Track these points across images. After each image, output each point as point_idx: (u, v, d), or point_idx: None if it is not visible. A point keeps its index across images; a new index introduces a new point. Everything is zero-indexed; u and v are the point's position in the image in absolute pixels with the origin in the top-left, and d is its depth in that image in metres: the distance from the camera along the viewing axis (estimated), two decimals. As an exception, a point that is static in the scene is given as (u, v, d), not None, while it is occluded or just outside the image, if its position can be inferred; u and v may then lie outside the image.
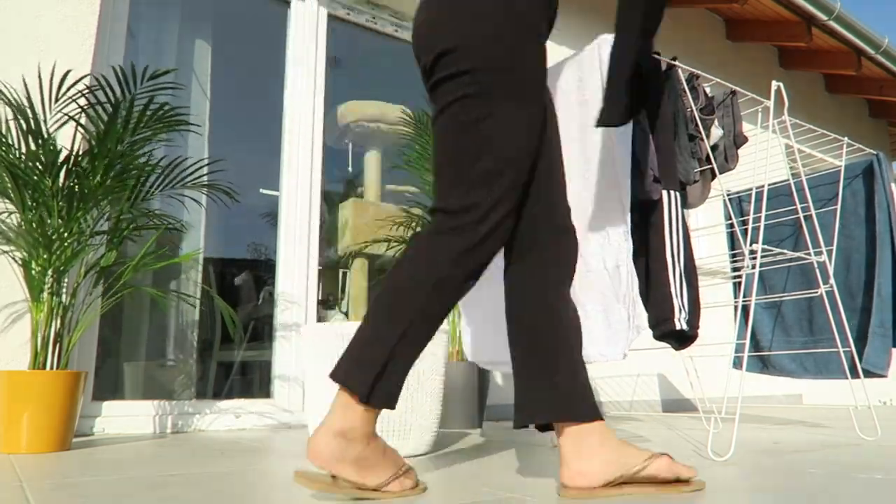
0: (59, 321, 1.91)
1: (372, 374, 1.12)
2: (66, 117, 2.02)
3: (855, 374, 2.31)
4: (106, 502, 1.07)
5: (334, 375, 1.14)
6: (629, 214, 1.58)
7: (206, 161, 2.35)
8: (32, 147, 1.90)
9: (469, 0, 1.23)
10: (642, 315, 1.54)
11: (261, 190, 3.08)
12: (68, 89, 1.98)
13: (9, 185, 1.88)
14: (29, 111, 1.90)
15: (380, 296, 1.18)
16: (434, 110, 1.27)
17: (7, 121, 1.96)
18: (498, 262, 1.91)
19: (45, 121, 1.94)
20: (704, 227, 2.44)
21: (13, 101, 1.91)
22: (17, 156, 1.90)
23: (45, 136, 1.91)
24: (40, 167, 1.89)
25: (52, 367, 1.89)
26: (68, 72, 2.02)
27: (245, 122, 3.29)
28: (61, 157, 1.92)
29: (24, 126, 1.89)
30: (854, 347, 2.29)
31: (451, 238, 1.18)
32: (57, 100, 2.00)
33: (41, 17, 2.35)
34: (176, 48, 2.97)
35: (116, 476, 1.36)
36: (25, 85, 1.99)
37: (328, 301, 3.56)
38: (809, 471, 1.44)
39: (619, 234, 1.58)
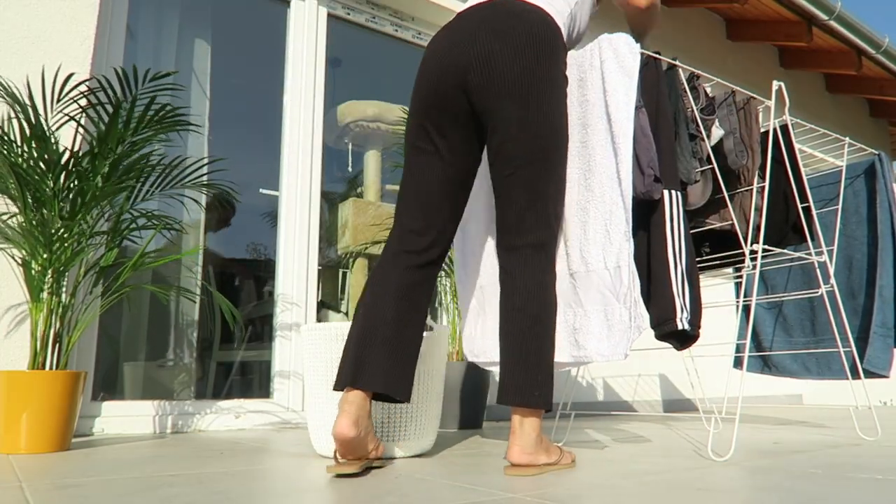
0: (58, 321, 1.91)
1: (549, 388, 1.46)
2: (67, 118, 2.02)
3: (856, 375, 2.30)
4: (106, 502, 1.07)
5: (523, 401, 1.43)
6: (630, 214, 1.58)
7: (205, 161, 2.35)
8: (34, 147, 1.90)
9: None
10: (644, 315, 1.54)
11: (261, 190, 3.08)
12: (71, 90, 1.98)
13: (11, 184, 1.88)
14: (30, 111, 1.90)
15: (532, 327, 1.47)
16: None
17: (9, 120, 1.96)
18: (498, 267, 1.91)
19: (46, 121, 1.94)
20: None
21: (15, 101, 1.90)
22: (20, 154, 1.90)
23: (47, 136, 1.91)
24: (42, 167, 1.89)
25: (51, 367, 1.89)
26: (71, 75, 2.02)
27: (245, 122, 3.28)
28: (63, 158, 1.92)
29: (26, 126, 1.89)
30: (855, 348, 2.29)
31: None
32: (58, 100, 1.99)
33: (40, 17, 2.35)
34: (176, 48, 2.97)
35: (116, 476, 1.36)
36: (28, 85, 1.99)
37: (326, 304, 3.56)
38: (809, 471, 1.44)
39: (620, 233, 1.58)
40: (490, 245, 1.95)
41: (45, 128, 1.91)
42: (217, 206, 3.15)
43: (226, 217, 3.17)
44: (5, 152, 1.85)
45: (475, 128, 1.59)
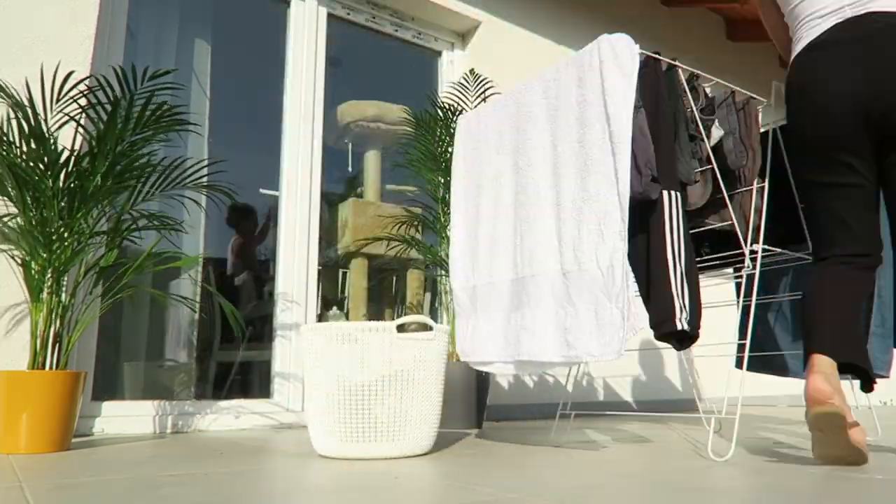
0: (58, 321, 1.91)
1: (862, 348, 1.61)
2: (67, 117, 2.02)
3: (855, 375, 2.30)
4: (106, 502, 1.07)
5: (846, 356, 1.56)
6: (626, 215, 1.58)
7: (205, 161, 2.35)
8: (33, 147, 1.90)
9: None
10: (639, 315, 1.54)
11: (261, 190, 3.08)
12: (70, 90, 1.98)
13: (9, 184, 1.88)
14: (30, 111, 1.90)
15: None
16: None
17: (9, 120, 1.96)
18: (498, 264, 1.91)
19: (45, 120, 1.94)
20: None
21: (14, 101, 1.90)
22: (19, 154, 1.90)
23: (46, 135, 1.91)
24: (41, 167, 1.89)
25: (51, 368, 1.89)
26: (70, 73, 2.02)
27: (245, 122, 3.28)
28: (62, 158, 1.92)
29: (25, 126, 1.89)
30: (854, 347, 2.29)
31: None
32: (58, 100, 1.99)
33: (40, 17, 2.35)
34: (176, 48, 2.97)
35: (116, 476, 1.36)
36: (27, 85, 1.99)
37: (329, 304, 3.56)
38: (809, 471, 1.44)
39: (614, 234, 1.58)
40: (489, 247, 1.95)
41: (45, 128, 1.91)
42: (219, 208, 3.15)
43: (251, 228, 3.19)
44: (4, 153, 1.86)
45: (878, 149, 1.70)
